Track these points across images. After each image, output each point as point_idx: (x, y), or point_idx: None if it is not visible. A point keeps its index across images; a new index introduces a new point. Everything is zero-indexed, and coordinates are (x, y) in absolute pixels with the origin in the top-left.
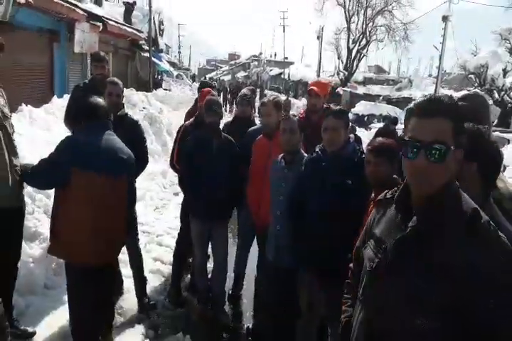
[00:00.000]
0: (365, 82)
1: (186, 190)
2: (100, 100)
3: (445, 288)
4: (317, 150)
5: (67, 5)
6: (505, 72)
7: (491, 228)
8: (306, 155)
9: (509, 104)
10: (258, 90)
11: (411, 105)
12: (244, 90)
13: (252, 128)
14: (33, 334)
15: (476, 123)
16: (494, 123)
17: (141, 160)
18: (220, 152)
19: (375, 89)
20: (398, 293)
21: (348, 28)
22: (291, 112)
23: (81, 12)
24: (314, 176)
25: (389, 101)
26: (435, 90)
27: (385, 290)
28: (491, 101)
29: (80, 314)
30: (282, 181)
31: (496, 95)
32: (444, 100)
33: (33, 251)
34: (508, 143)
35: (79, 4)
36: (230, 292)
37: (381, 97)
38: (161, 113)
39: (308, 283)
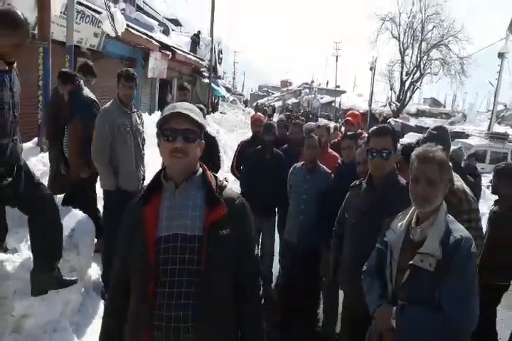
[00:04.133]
0: (418, 114)
1: (245, 191)
2: None
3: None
4: (339, 161)
5: (145, 37)
6: None
7: None
8: (321, 166)
9: None
10: (310, 116)
11: (370, 130)
12: (281, 116)
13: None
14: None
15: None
16: None
17: (215, 165)
18: (272, 163)
19: (427, 122)
20: (371, 230)
21: (402, 61)
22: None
23: (155, 42)
24: (339, 178)
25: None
26: (489, 126)
27: (363, 230)
28: None
29: None
30: (304, 183)
31: None
32: (388, 127)
33: None
34: None
35: (153, 35)
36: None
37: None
38: (218, 133)
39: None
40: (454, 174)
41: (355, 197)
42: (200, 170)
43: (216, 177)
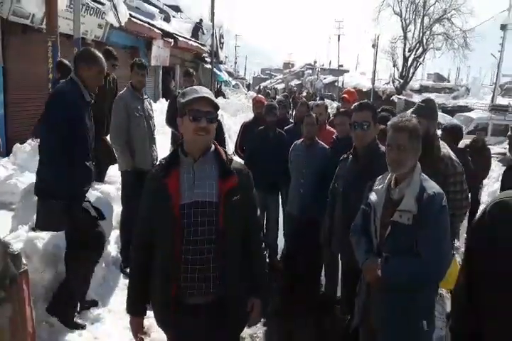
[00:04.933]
0: (422, 90)
1: (250, 168)
2: None
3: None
4: (334, 136)
5: (148, 26)
6: None
7: None
8: (319, 142)
9: None
10: (314, 97)
11: (352, 106)
12: (280, 97)
13: (288, 126)
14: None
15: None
16: None
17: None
18: (275, 142)
19: (430, 97)
20: (356, 193)
21: (405, 37)
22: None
23: (157, 31)
24: (334, 152)
25: (444, 109)
26: (492, 98)
27: (351, 197)
28: None
29: None
30: (304, 158)
31: None
32: (367, 103)
33: None
34: None
35: (155, 23)
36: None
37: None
38: (221, 118)
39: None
40: (441, 142)
41: (344, 168)
42: (213, 146)
43: (226, 152)
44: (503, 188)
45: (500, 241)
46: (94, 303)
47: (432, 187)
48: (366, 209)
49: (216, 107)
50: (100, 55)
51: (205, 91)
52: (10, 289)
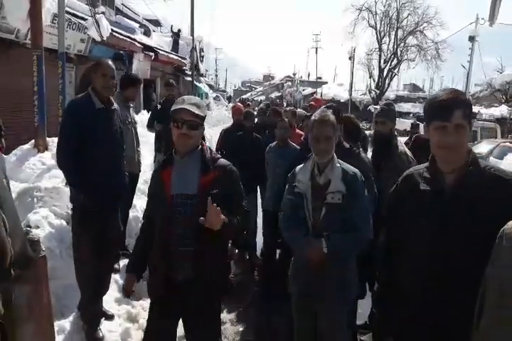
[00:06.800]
0: (397, 100)
1: None
2: None
3: None
4: (302, 138)
5: (129, 40)
6: None
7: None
8: (291, 143)
9: None
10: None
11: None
12: (261, 105)
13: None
14: None
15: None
16: None
17: None
18: (252, 145)
19: (405, 107)
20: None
21: (380, 49)
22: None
23: (138, 45)
24: (304, 150)
25: (418, 117)
26: None
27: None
28: None
29: None
30: (279, 159)
31: None
32: (332, 105)
33: None
34: None
35: (135, 37)
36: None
37: (411, 114)
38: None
39: None
40: (399, 140)
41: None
42: (200, 146)
43: (211, 151)
44: None
45: (406, 211)
46: (110, 317)
47: (351, 168)
48: (292, 199)
49: (198, 116)
50: (106, 60)
51: (190, 102)
52: (28, 270)
